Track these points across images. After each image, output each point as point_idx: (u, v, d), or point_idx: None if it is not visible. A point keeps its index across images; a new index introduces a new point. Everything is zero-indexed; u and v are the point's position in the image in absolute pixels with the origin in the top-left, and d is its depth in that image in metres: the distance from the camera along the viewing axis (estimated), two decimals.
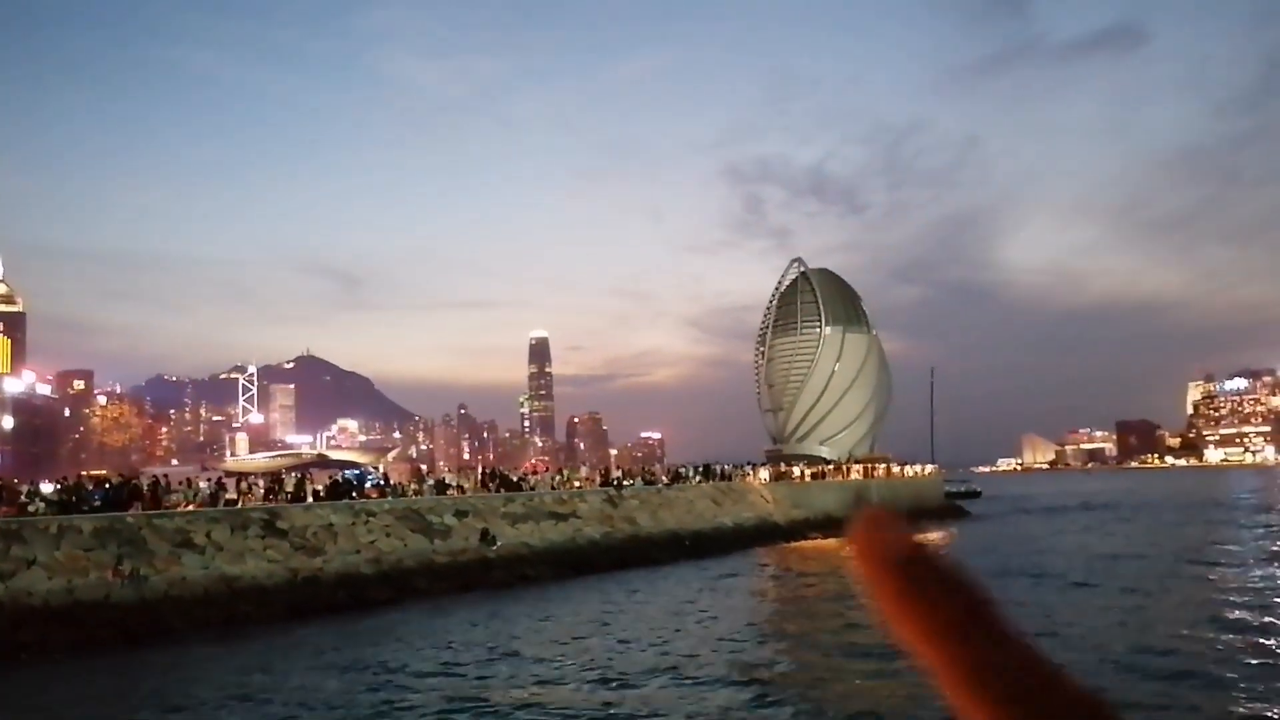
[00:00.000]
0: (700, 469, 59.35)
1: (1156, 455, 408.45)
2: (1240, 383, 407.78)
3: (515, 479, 47.60)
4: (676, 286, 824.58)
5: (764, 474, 61.49)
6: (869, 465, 69.52)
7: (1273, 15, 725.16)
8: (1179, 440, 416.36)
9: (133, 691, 18.71)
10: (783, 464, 66.13)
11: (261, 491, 35.76)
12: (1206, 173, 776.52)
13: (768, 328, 77.68)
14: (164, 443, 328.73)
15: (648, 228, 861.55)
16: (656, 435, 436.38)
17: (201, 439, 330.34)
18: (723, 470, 59.41)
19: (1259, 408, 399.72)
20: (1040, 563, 37.44)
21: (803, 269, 77.82)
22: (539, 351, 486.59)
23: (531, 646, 21.85)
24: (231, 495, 34.61)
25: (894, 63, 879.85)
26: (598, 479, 51.95)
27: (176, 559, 27.24)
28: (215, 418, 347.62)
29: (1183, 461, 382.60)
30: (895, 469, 73.00)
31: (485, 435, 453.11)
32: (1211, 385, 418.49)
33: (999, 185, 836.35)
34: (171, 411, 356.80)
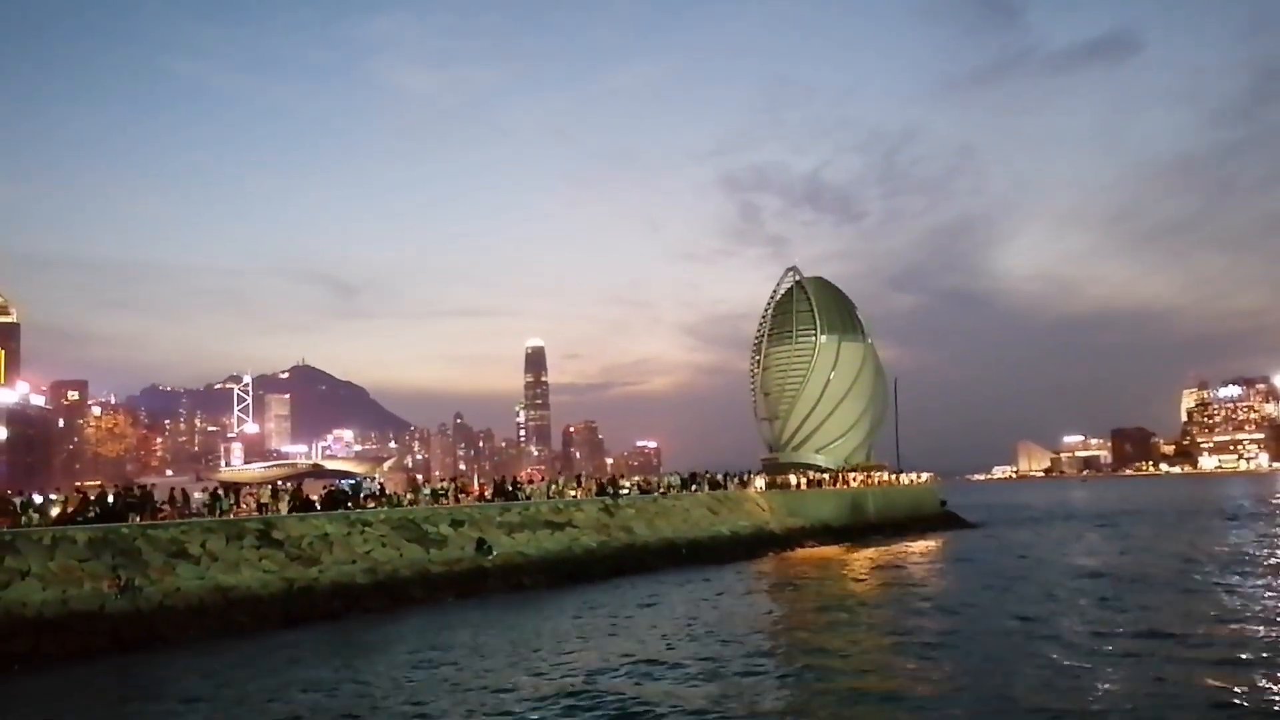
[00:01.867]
0: (686, 477, 58.87)
1: (1151, 463, 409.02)
2: (1234, 390, 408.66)
3: (511, 487, 47.54)
4: (673, 295, 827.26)
5: (760, 482, 61.43)
6: (866, 473, 69.53)
7: (1265, 25, 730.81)
8: (1174, 447, 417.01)
9: (124, 702, 18.65)
10: (777, 475, 65.96)
11: (254, 504, 35.73)
12: (1200, 181, 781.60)
13: (763, 336, 77.66)
14: (158, 453, 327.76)
15: (644, 236, 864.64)
16: (653, 444, 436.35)
17: (196, 449, 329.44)
18: (713, 479, 58.95)
19: (1253, 415, 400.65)
20: (1023, 578, 37.55)
21: (798, 277, 77.88)
22: (535, 360, 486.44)
23: (523, 655, 21.80)
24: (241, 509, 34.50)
25: (889, 72, 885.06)
26: (593, 488, 51.77)
27: (171, 569, 27.16)
28: (210, 428, 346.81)
29: (1177, 469, 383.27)
30: (892, 477, 73.01)
31: (481, 444, 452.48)
32: (1206, 392, 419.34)
33: (994, 194, 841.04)
34: (166, 421, 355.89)
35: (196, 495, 37.51)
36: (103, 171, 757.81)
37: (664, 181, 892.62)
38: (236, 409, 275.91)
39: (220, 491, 37.11)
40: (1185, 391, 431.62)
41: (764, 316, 78.29)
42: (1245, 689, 16.52)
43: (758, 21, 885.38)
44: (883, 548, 51.06)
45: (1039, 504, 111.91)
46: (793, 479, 63.48)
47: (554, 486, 50.46)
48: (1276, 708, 15.38)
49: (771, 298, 78.37)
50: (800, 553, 48.91)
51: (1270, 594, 28.70)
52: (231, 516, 33.07)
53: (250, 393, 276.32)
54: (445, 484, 47.75)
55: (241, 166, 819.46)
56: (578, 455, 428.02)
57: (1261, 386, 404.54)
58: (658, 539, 44.15)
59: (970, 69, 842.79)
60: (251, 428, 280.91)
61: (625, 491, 51.47)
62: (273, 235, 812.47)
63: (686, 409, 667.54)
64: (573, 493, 49.43)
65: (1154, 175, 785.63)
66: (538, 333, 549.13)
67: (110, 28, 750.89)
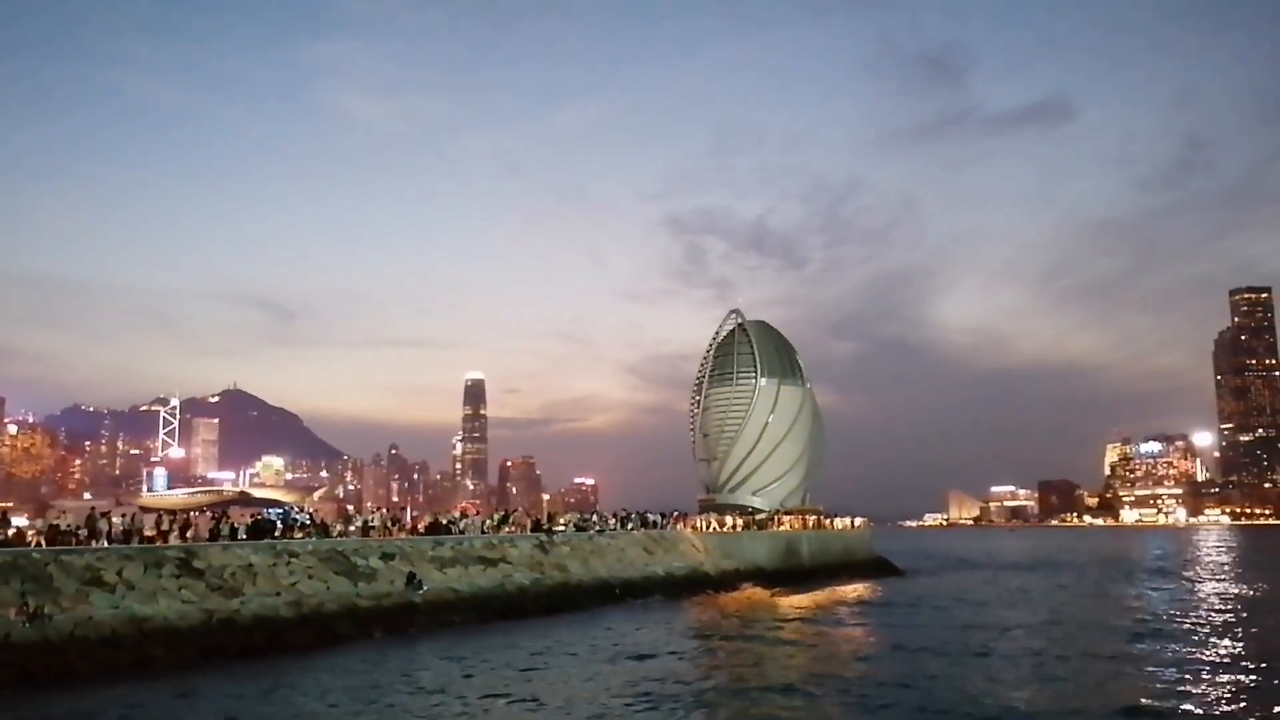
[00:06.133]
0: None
1: (1076, 514, 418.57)
2: (1155, 446, 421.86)
3: (445, 522, 46.70)
4: (616, 333, 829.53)
5: (700, 522, 61.34)
6: (800, 516, 69.89)
7: (1191, 98, 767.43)
8: (1097, 500, 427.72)
9: None
10: (713, 514, 65.98)
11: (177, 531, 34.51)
12: (1126, 243, 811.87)
13: (704, 377, 78.04)
14: (77, 475, 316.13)
15: (589, 272, 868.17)
16: (591, 481, 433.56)
17: (118, 472, 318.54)
18: (644, 517, 58.28)
19: (1171, 471, 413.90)
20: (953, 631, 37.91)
21: (740, 320, 78.59)
22: (474, 393, 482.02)
23: (445, 698, 21.31)
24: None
25: (835, 123, 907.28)
26: (528, 524, 51.06)
27: (84, 597, 26.03)
28: (133, 451, 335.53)
29: (1100, 521, 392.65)
30: (826, 521, 73.49)
31: (416, 476, 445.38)
32: (1128, 448, 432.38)
33: (932, 246, 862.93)
34: (87, 443, 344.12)
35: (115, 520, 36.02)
36: (30, 183, 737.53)
37: (611, 220, 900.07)
38: (162, 432, 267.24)
39: (137, 516, 35.80)
40: (1109, 446, 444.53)
41: (705, 358, 78.73)
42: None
43: (708, 67, 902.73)
44: (815, 592, 51.23)
45: (967, 552, 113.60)
46: (728, 520, 63.59)
47: (488, 522, 49.69)
48: None
49: (713, 339, 78.91)
50: (734, 595, 48.82)
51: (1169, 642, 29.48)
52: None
53: (177, 416, 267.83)
54: (376, 513, 46.64)
55: (179, 185, 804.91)
56: (514, 490, 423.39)
57: (1180, 444, 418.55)
58: (592, 578, 43.72)
59: (913, 124, 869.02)
60: (177, 452, 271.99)
61: (561, 529, 50.93)
62: (208, 256, 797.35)
63: (626, 447, 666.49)
64: (508, 529, 48.78)
65: (1083, 236, 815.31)
66: (478, 365, 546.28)
67: (51, 40, 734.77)
